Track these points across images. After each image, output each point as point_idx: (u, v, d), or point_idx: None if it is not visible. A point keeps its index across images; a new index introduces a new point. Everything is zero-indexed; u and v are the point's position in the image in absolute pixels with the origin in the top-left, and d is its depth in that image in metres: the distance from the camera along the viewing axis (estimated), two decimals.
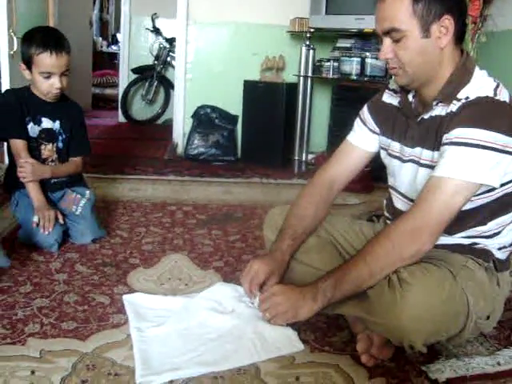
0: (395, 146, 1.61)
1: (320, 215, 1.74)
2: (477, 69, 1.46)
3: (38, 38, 2.20)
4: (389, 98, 1.66)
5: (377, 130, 1.69)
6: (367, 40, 3.84)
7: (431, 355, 1.49)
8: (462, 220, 1.46)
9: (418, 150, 1.52)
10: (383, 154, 1.69)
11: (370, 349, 1.46)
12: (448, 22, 1.39)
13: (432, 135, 1.47)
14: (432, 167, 1.44)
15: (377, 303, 1.37)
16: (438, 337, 1.38)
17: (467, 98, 1.39)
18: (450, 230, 1.47)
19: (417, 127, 1.52)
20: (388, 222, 1.72)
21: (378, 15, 1.45)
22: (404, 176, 1.58)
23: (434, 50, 1.42)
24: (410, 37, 1.40)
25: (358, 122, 1.74)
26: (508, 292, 1.60)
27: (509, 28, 3.20)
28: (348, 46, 3.94)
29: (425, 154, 1.50)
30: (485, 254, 1.51)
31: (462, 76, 1.43)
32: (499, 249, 1.53)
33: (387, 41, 1.44)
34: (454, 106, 1.41)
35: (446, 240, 1.53)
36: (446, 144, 1.37)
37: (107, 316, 1.67)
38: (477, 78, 1.43)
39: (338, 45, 4.02)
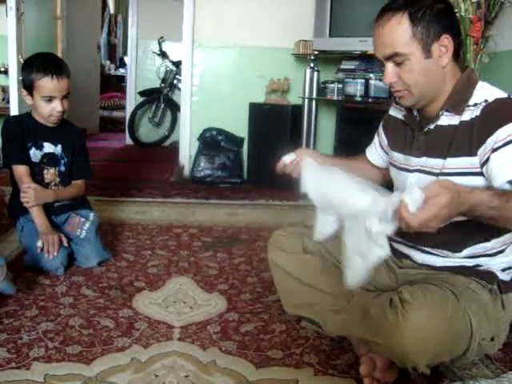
0: (401, 158, 1.64)
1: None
2: (479, 81, 1.50)
3: (39, 64, 2.25)
4: (395, 112, 1.72)
5: (384, 142, 1.76)
6: (371, 62, 3.86)
7: (436, 378, 1.48)
8: (468, 235, 1.47)
9: (423, 159, 1.54)
10: (391, 168, 1.72)
11: (374, 372, 1.45)
12: (447, 40, 1.43)
13: (443, 144, 1.48)
14: (450, 174, 1.45)
15: (379, 324, 1.37)
16: (441, 358, 1.37)
17: (486, 100, 1.42)
18: (456, 246, 1.49)
19: (423, 138, 1.55)
20: (393, 242, 1.72)
21: (377, 41, 1.48)
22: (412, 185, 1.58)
23: (436, 69, 1.45)
24: (413, 59, 1.43)
25: (375, 136, 1.84)
26: None
27: (510, 48, 3.22)
28: (352, 67, 3.96)
29: (430, 163, 1.52)
30: (488, 276, 1.51)
31: (466, 86, 1.47)
32: (503, 270, 1.53)
33: (390, 65, 1.47)
34: (473, 112, 1.43)
35: (449, 261, 1.54)
36: (501, 146, 1.35)
37: (112, 340, 1.67)
38: (483, 87, 1.47)
39: (342, 67, 4.04)
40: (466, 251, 1.51)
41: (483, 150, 1.38)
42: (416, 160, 1.57)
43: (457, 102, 1.47)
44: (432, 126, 1.52)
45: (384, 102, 3.68)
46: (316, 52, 4.00)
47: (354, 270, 1.35)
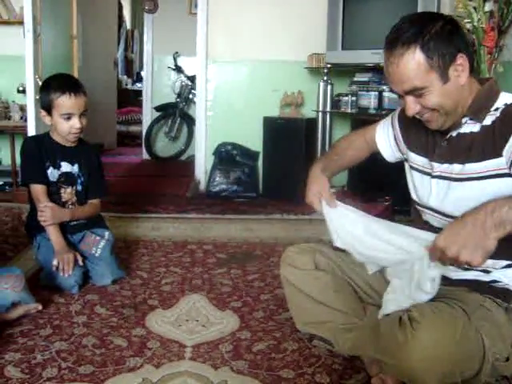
0: (423, 162, 1.62)
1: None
2: (502, 92, 1.49)
3: (56, 84, 2.32)
4: None
5: (399, 137, 1.73)
6: (384, 74, 3.85)
7: None
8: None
9: (445, 165, 1.53)
10: (411, 171, 1.69)
11: None
12: (462, 59, 1.42)
13: (465, 150, 1.48)
14: (463, 180, 1.47)
15: (388, 343, 1.36)
16: (451, 378, 1.35)
17: (505, 104, 1.43)
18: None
19: (445, 144, 1.54)
20: None
21: (393, 78, 1.46)
22: (434, 191, 1.57)
23: (456, 89, 1.44)
24: (433, 88, 1.42)
25: (387, 123, 1.80)
26: None
27: None
28: (365, 80, 3.96)
29: (453, 169, 1.50)
30: (505, 294, 1.49)
31: (488, 94, 1.47)
32: None
33: (410, 98, 1.46)
34: (493, 116, 1.43)
35: (467, 274, 1.52)
36: None
37: (124, 359, 1.68)
38: (505, 95, 1.47)
39: (356, 79, 4.04)
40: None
41: (508, 149, 1.38)
42: (438, 166, 1.56)
43: (478, 109, 1.46)
44: (454, 134, 1.51)
45: None
46: (329, 65, 4.01)
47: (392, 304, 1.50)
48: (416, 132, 1.66)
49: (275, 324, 1.96)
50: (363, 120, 3.99)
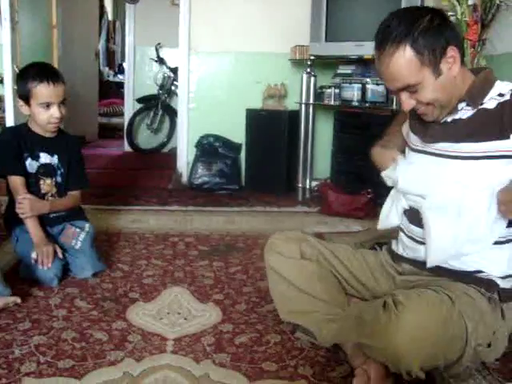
0: (419, 141, 1.62)
1: None
2: (498, 80, 1.51)
3: (34, 72, 2.26)
4: None
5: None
6: (367, 66, 3.85)
7: None
8: None
9: (440, 144, 1.53)
10: (409, 152, 1.70)
11: None
12: (453, 51, 1.44)
13: (463, 131, 1.48)
14: (457, 157, 1.49)
15: (373, 326, 1.37)
16: (434, 361, 1.36)
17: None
18: None
19: (439, 127, 1.54)
20: (403, 235, 1.69)
21: (385, 76, 1.47)
22: (425, 168, 1.58)
23: (449, 80, 1.45)
24: (426, 83, 1.43)
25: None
26: None
27: (507, 51, 3.20)
28: (349, 72, 3.95)
29: (447, 147, 1.51)
30: (488, 284, 1.50)
31: (484, 82, 1.49)
32: (503, 278, 1.52)
33: (405, 94, 1.48)
34: (499, 100, 1.44)
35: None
36: None
37: (104, 353, 1.65)
38: (503, 82, 1.49)
39: (339, 71, 4.03)
40: None
41: None
42: (431, 145, 1.56)
43: (476, 94, 1.47)
44: (449, 119, 1.52)
45: (381, 106, 3.67)
46: (312, 57, 3.98)
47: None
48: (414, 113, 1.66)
49: (257, 316, 1.95)
50: (346, 112, 4.00)
